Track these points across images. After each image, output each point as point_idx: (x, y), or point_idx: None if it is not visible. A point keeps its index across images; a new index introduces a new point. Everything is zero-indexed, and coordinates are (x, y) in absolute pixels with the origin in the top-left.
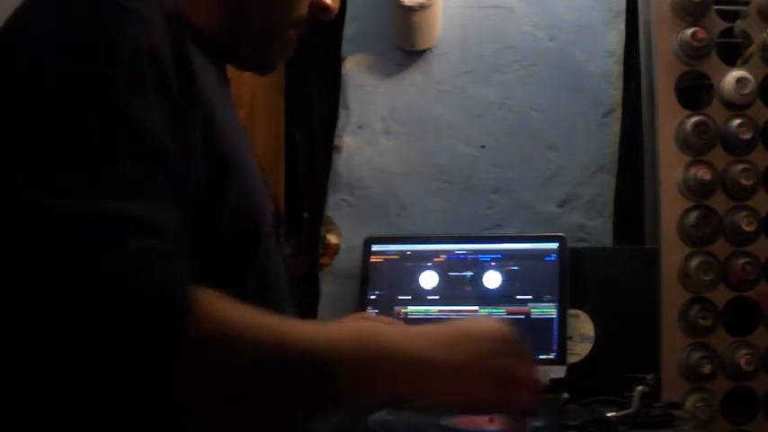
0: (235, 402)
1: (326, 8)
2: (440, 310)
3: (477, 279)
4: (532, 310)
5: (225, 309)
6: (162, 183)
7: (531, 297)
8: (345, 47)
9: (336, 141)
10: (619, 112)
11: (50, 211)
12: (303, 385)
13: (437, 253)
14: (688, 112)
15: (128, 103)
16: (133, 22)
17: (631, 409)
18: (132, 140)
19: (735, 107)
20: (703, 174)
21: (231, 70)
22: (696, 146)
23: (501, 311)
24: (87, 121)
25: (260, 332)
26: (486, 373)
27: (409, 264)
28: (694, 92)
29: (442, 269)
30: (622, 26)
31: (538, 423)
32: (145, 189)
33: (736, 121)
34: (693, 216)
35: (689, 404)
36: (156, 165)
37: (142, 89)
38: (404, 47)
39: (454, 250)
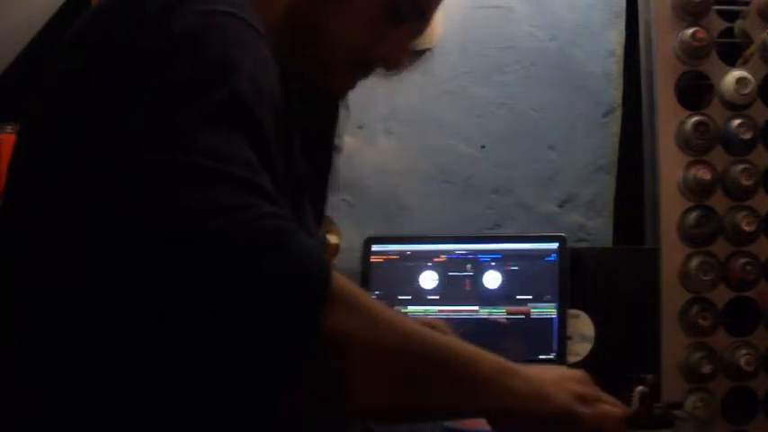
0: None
1: (390, 63)
2: (440, 310)
3: (477, 279)
4: (532, 310)
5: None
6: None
7: (531, 297)
8: None
9: (336, 141)
10: (619, 112)
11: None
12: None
13: (437, 253)
14: (688, 112)
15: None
16: (258, 38)
17: (631, 409)
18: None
19: (735, 107)
20: (703, 174)
21: None
22: (696, 146)
23: (501, 311)
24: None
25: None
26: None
27: (409, 264)
28: (694, 92)
29: (442, 269)
30: (622, 26)
31: None
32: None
33: (736, 121)
34: (693, 216)
35: (689, 404)
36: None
37: (260, 93)
38: None
39: (454, 250)
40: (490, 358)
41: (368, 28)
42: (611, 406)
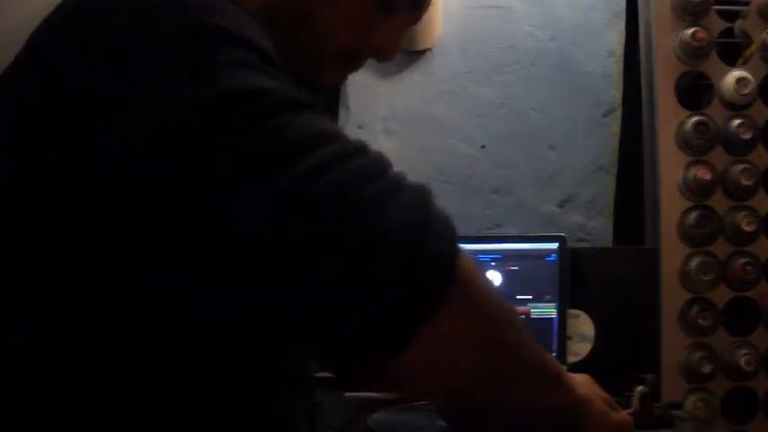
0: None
1: (382, 54)
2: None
3: None
4: (532, 310)
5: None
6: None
7: (531, 297)
8: None
9: None
10: (619, 112)
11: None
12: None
13: None
14: (688, 112)
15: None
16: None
17: (631, 409)
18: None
19: (735, 107)
20: (703, 174)
21: None
22: (696, 146)
23: None
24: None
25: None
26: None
27: None
28: (694, 92)
29: None
30: (622, 26)
31: None
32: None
33: (736, 121)
34: (693, 216)
35: (689, 404)
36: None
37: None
38: (404, 47)
39: None
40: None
41: (360, 18)
42: (624, 412)
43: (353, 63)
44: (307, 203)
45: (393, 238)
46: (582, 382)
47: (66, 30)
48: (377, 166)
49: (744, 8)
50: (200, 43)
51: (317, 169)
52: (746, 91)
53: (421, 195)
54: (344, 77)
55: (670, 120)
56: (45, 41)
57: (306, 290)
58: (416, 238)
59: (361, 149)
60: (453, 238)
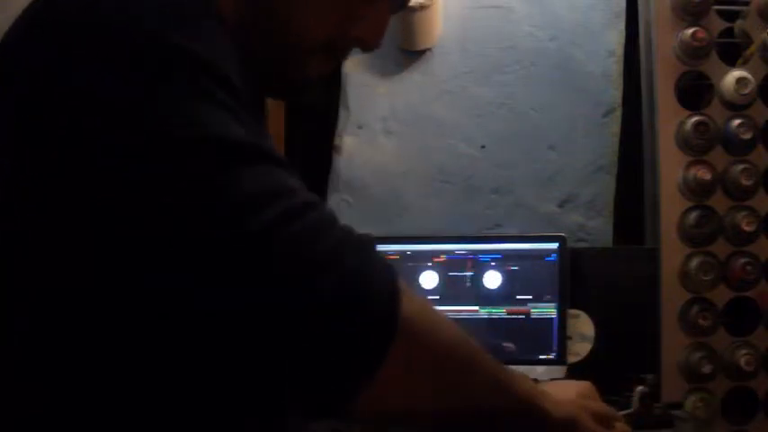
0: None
1: (366, 44)
2: (440, 311)
3: (477, 279)
4: (532, 310)
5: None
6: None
7: (531, 297)
8: None
9: (336, 141)
10: (619, 112)
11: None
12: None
13: (437, 253)
14: (688, 112)
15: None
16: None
17: (631, 409)
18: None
19: (735, 107)
20: (703, 174)
21: None
22: (696, 146)
23: (501, 311)
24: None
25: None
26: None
27: (409, 264)
28: (694, 92)
29: (441, 269)
30: (622, 26)
31: None
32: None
33: (736, 121)
34: (693, 216)
35: (689, 404)
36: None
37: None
38: (404, 47)
39: (454, 250)
40: (526, 380)
41: (336, 8)
42: (621, 425)
43: (337, 55)
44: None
45: (333, 303)
46: (572, 397)
47: (50, 27)
48: (324, 222)
49: (744, 8)
50: (171, 71)
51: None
52: (746, 91)
53: (365, 253)
54: (329, 70)
55: (670, 120)
56: (31, 38)
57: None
58: (354, 302)
59: (311, 205)
60: (393, 293)
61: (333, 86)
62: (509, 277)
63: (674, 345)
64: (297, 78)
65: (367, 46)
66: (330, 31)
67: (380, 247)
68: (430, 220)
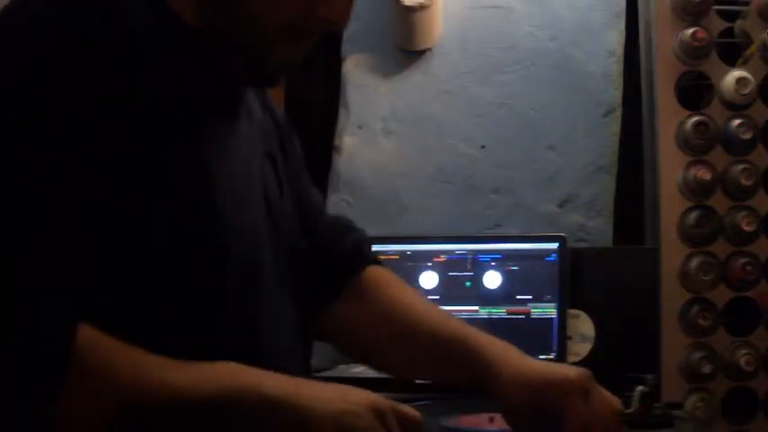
0: None
1: (334, 22)
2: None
3: (477, 279)
4: (532, 310)
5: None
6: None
7: (531, 297)
8: (345, 47)
9: (336, 141)
10: (619, 112)
11: None
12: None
13: (437, 253)
14: (688, 112)
15: None
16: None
17: (631, 409)
18: None
19: (735, 107)
20: (703, 174)
21: None
22: (696, 146)
23: (501, 311)
24: None
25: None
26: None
27: (409, 264)
28: (694, 92)
29: (441, 269)
30: (622, 26)
31: None
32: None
33: (736, 121)
34: (693, 216)
35: (689, 404)
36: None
37: None
38: (404, 47)
39: (454, 250)
40: (234, 399)
41: None
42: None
43: (305, 38)
44: None
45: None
46: (329, 395)
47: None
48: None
49: (744, 8)
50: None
51: None
52: (746, 91)
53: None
54: (301, 54)
55: (670, 120)
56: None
57: None
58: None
59: None
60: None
61: (333, 86)
62: (509, 277)
63: (674, 345)
64: (267, 65)
65: (334, 24)
66: (292, 11)
67: (380, 247)
68: (430, 220)
